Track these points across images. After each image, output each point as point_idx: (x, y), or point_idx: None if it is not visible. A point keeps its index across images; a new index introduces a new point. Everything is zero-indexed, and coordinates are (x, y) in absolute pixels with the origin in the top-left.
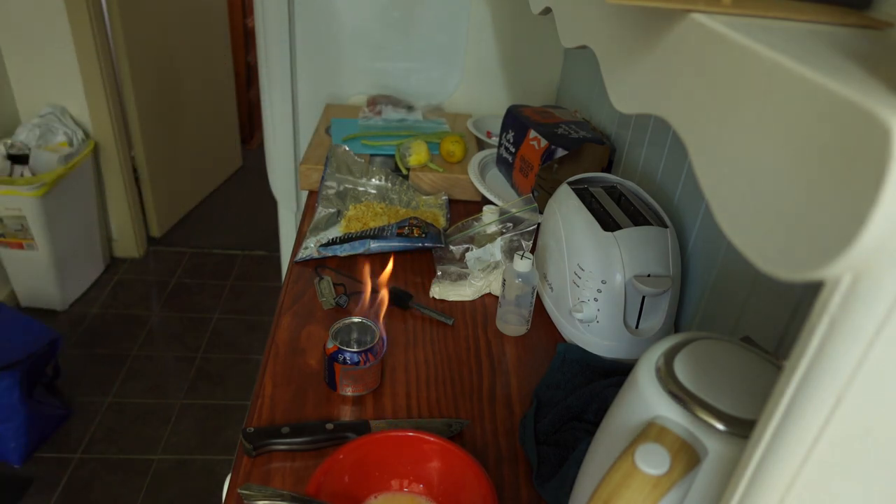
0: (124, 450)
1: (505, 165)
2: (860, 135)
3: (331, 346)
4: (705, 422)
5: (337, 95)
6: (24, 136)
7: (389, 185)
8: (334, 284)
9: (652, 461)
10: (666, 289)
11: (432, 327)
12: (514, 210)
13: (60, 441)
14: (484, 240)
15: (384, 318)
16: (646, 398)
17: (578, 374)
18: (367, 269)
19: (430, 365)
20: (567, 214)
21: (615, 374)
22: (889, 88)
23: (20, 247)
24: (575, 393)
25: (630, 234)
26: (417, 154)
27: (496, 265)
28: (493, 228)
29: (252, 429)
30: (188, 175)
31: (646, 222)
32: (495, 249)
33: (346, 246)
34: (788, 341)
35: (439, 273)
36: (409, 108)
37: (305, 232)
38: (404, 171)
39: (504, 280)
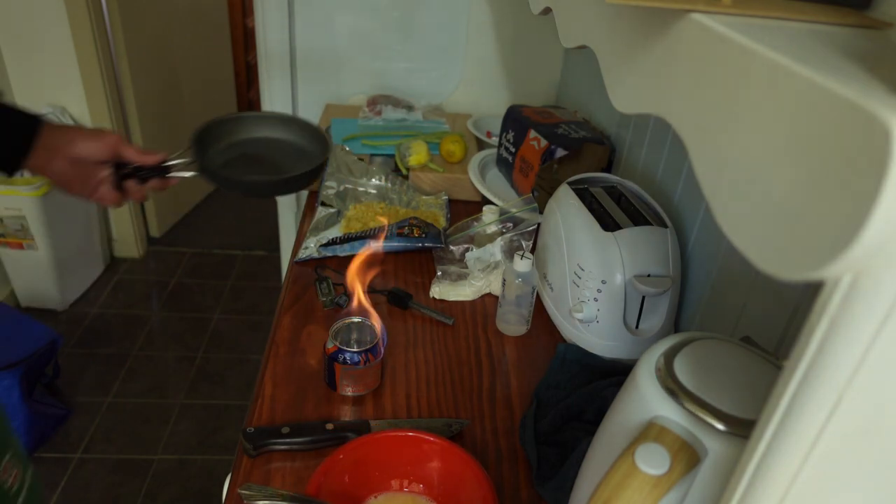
0: (124, 450)
1: (505, 165)
2: (860, 135)
3: (331, 346)
4: (705, 422)
5: (337, 95)
6: None
7: (389, 185)
8: (334, 284)
9: (652, 461)
10: (666, 289)
11: (432, 327)
12: (514, 210)
13: (60, 441)
14: (484, 240)
15: (381, 316)
16: (646, 398)
17: (578, 374)
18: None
19: (430, 365)
20: (567, 214)
21: (615, 374)
22: (889, 88)
23: (20, 247)
24: (575, 393)
25: (630, 234)
26: (417, 154)
27: (496, 265)
28: (493, 228)
29: (252, 429)
30: None
31: (646, 222)
32: (495, 249)
33: (346, 246)
34: (788, 341)
35: (439, 273)
36: (409, 108)
37: (305, 232)
38: (404, 171)
39: (504, 280)
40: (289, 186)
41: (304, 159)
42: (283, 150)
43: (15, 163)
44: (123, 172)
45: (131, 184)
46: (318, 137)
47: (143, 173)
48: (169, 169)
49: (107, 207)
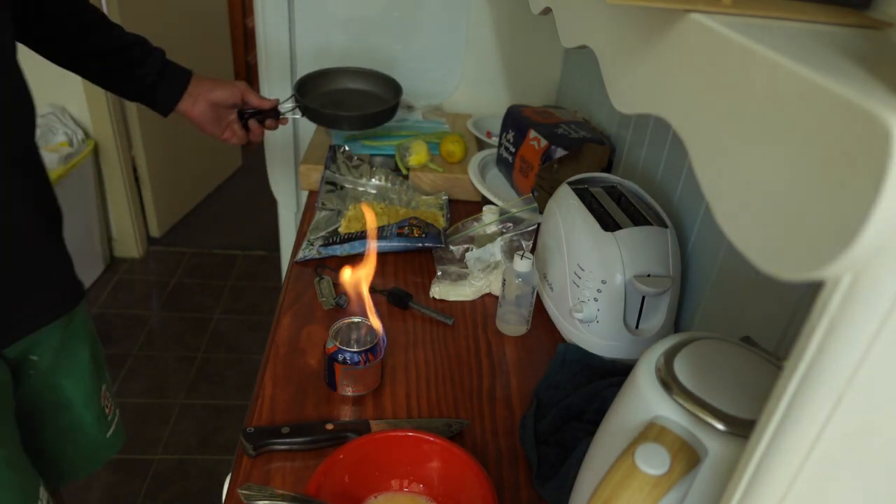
0: (124, 450)
1: (505, 165)
2: (860, 135)
3: (331, 346)
4: (705, 422)
5: None
6: None
7: (389, 185)
8: (334, 284)
9: (652, 461)
10: (666, 289)
11: (432, 327)
12: (514, 210)
13: None
14: (484, 240)
15: (381, 316)
16: (646, 398)
17: (578, 374)
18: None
19: (430, 365)
20: (567, 214)
21: (615, 374)
22: (889, 88)
23: None
24: (575, 393)
25: (630, 234)
26: (417, 154)
27: (496, 265)
28: (493, 228)
29: (252, 429)
30: (188, 175)
31: (646, 222)
32: (495, 249)
33: (346, 246)
34: (788, 341)
35: (439, 273)
36: (409, 108)
37: (305, 232)
38: (404, 171)
39: (504, 280)
40: (375, 120)
41: (381, 102)
42: (362, 96)
43: (170, 106)
44: (245, 116)
45: (253, 123)
46: (390, 84)
47: (261, 116)
48: (280, 112)
49: (107, 207)
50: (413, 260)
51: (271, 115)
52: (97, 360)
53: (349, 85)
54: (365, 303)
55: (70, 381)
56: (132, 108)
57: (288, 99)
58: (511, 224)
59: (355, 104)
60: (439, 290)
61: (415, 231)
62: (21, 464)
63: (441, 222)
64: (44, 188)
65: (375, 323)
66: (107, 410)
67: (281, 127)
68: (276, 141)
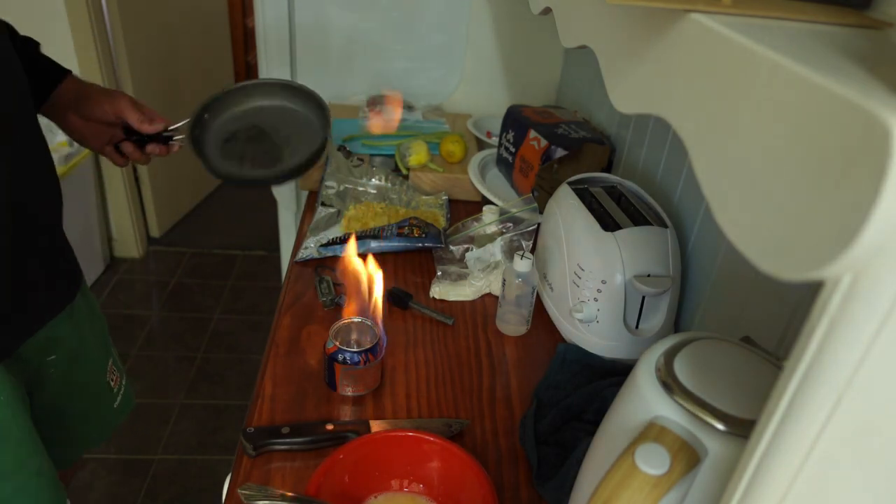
0: (124, 450)
1: (505, 165)
2: (860, 135)
3: (331, 346)
4: (705, 422)
5: (337, 95)
6: None
7: (389, 185)
8: (334, 284)
9: (652, 461)
10: (666, 289)
11: (432, 327)
12: (514, 210)
13: None
14: (484, 240)
15: (383, 316)
16: (646, 398)
17: (578, 374)
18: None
19: (430, 365)
20: (567, 214)
21: (615, 374)
22: (889, 88)
23: None
24: (575, 393)
25: (630, 234)
26: (417, 154)
27: (496, 265)
28: (493, 228)
29: (252, 429)
30: (188, 175)
31: (646, 222)
32: (495, 249)
33: (346, 246)
34: (788, 341)
35: (439, 273)
36: (409, 108)
37: (305, 232)
38: (404, 171)
39: (504, 280)
40: (287, 177)
41: (306, 133)
42: (280, 115)
43: (36, 108)
44: (122, 139)
45: (129, 147)
46: (310, 99)
47: (142, 139)
48: (170, 137)
49: (107, 207)
50: (413, 260)
51: (158, 139)
52: (101, 338)
53: (263, 102)
54: (369, 301)
55: (81, 369)
56: None
57: (182, 123)
58: (511, 224)
59: (274, 140)
60: (439, 290)
61: (415, 231)
62: (51, 474)
63: (441, 222)
64: (51, 178)
65: (375, 322)
66: (112, 384)
67: None
68: None
